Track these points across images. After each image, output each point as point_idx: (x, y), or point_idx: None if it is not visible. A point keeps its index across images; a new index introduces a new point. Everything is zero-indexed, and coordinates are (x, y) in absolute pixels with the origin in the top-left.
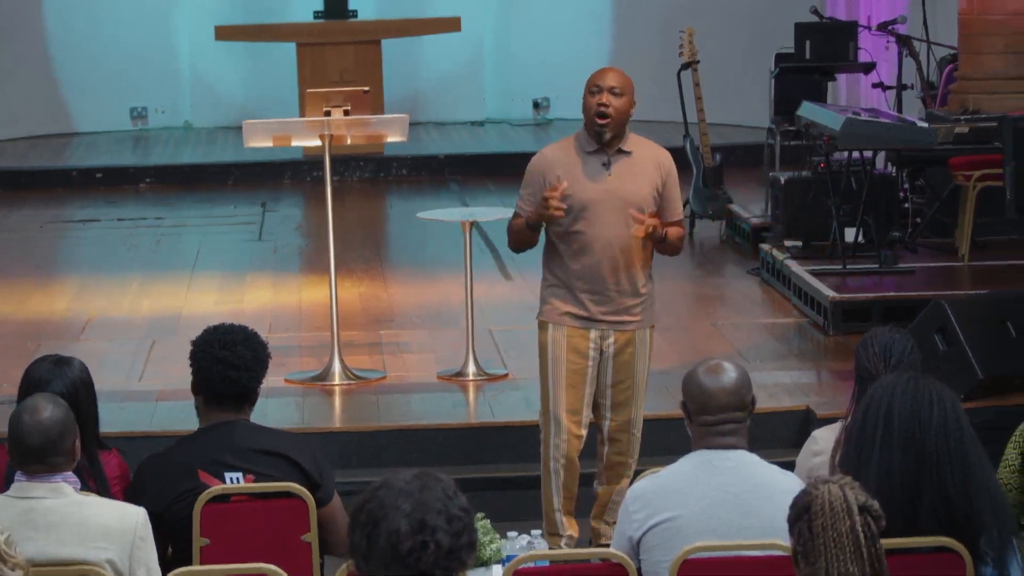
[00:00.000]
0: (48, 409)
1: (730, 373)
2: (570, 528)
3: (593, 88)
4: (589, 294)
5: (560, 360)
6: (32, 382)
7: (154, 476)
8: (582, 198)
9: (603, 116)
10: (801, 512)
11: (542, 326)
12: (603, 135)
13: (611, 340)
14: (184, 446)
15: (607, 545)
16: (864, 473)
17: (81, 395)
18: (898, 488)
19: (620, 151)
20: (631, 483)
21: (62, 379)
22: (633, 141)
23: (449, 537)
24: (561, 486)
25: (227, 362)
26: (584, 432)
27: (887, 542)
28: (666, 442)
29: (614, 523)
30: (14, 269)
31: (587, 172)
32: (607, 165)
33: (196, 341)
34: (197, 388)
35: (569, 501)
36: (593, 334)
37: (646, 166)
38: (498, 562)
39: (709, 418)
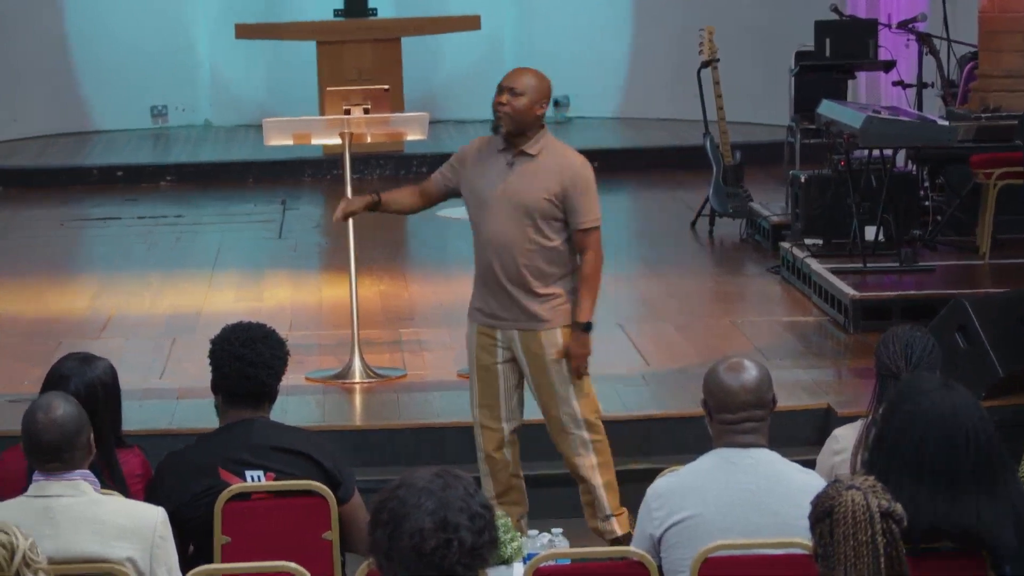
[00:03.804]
0: (61, 406)
1: (751, 371)
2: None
3: (498, 87)
4: (490, 293)
5: (472, 355)
6: (53, 378)
7: (174, 474)
8: (481, 195)
9: (495, 115)
10: (823, 515)
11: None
12: (497, 131)
13: (516, 341)
14: (204, 444)
15: (617, 540)
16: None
17: (100, 394)
18: (923, 519)
19: (523, 153)
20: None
21: (81, 377)
22: (545, 146)
23: (472, 535)
24: (489, 476)
25: (246, 360)
26: (504, 426)
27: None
28: (685, 440)
29: (607, 518)
30: (34, 267)
31: (492, 169)
32: (511, 165)
33: (215, 340)
34: (216, 387)
35: (507, 493)
36: (499, 333)
37: (547, 172)
38: (519, 560)
39: (729, 416)
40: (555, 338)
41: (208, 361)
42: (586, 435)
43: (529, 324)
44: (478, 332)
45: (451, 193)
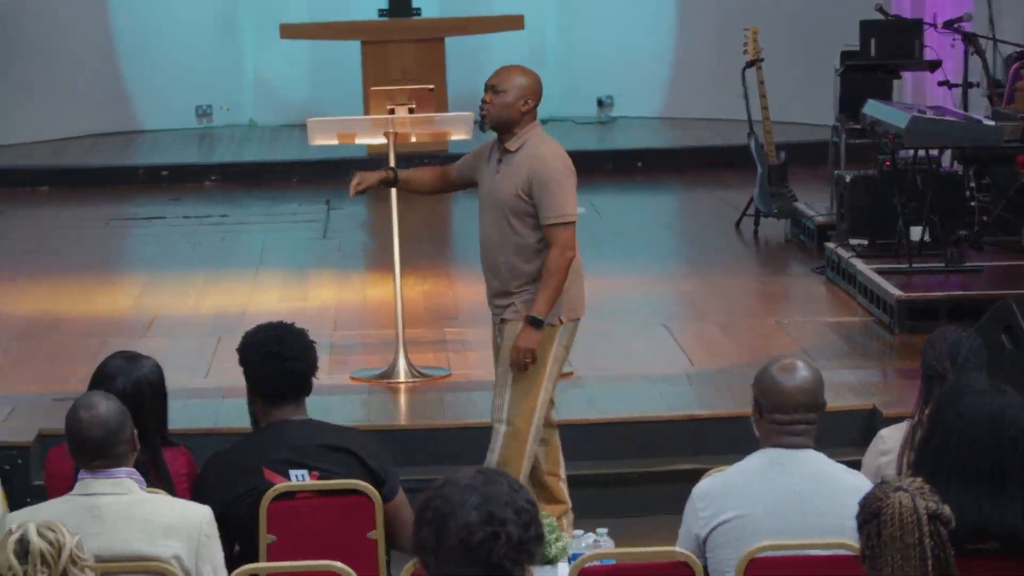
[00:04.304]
0: (103, 403)
1: (807, 373)
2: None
3: (484, 85)
4: (487, 287)
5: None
6: (100, 376)
7: (218, 475)
8: (479, 194)
9: (479, 113)
10: (870, 517)
11: None
12: (482, 128)
13: (500, 327)
14: (248, 444)
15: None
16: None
17: (147, 393)
18: (969, 520)
19: (506, 150)
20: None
21: (128, 376)
22: (526, 141)
23: (519, 528)
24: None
25: (282, 356)
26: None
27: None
28: (730, 440)
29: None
30: (80, 266)
31: (488, 168)
32: (499, 163)
33: (243, 347)
34: (255, 390)
35: (540, 492)
36: (494, 318)
37: (519, 168)
38: (564, 560)
39: (782, 416)
40: (515, 331)
41: (241, 368)
42: (502, 428)
43: (504, 315)
44: (493, 324)
45: (469, 183)
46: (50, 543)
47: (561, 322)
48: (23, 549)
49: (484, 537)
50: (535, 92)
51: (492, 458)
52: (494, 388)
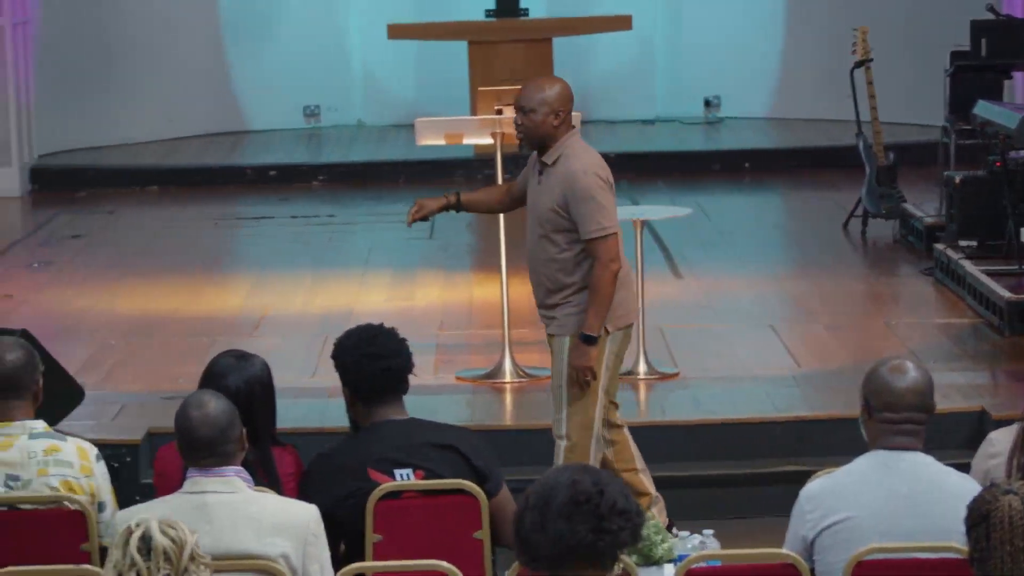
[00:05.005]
0: (212, 402)
1: (917, 374)
2: None
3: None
4: (533, 290)
5: None
6: (211, 375)
7: (323, 475)
8: (527, 203)
9: (516, 136)
10: (979, 520)
11: None
12: (521, 151)
13: (549, 340)
14: (352, 444)
15: None
16: None
17: (257, 392)
18: None
19: (544, 164)
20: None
21: (239, 374)
22: (562, 154)
23: (622, 498)
24: None
25: (378, 355)
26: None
27: None
28: (837, 442)
29: None
30: (189, 265)
31: (532, 179)
32: (539, 175)
33: (337, 353)
34: (357, 392)
35: None
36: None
37: (555, 182)
38: (670, 561)
39: (892, 416)
40: (562, 346)
41: (339, 374)
42: (562, 444)
43: (550, 330)
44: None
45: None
46: (172, 540)
47: (608, 332)
48: (146, 546)
49: (591, 492)
50: (564, 102)
51: None
52: (552, 402)
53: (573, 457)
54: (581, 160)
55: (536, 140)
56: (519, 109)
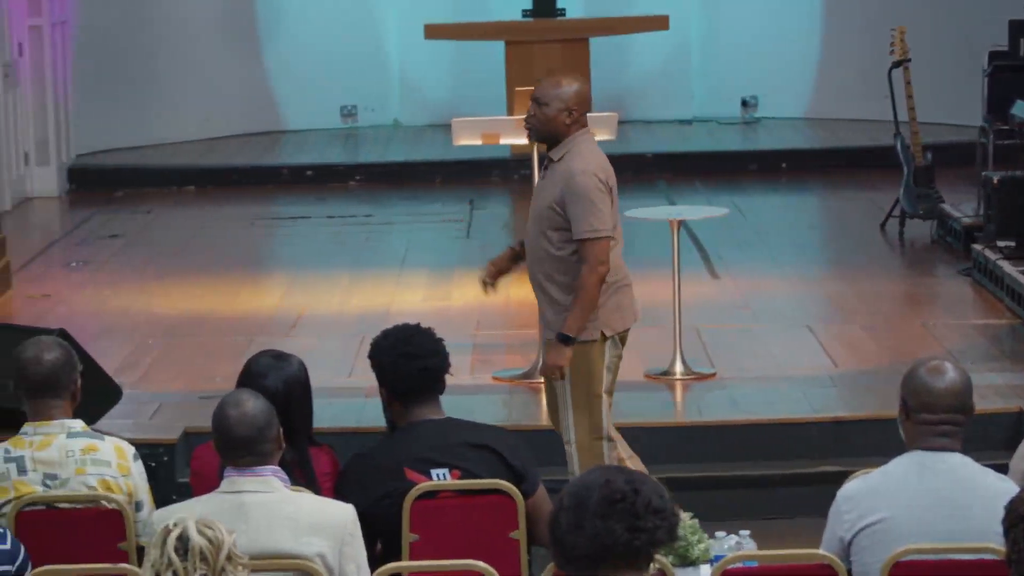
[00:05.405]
0: (250, 401)
1: (956, 374)
2: None
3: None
4: (536, 299)
5: None
6: (249, 374)
7: (359, 475)
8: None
9: (525, 126)
10: (1017, 521)
11: None
12: (529, 140)
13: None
14: (388, 444)
15: None
16: None
17: (295, 392)
18: None
19: (551, 160)
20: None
21: (278, 374)
22: (568, 151)
23: (657, 497)
24: None
25: (415, 355)
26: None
27: None
28: (874, 443)
29: None
30: (226, 265)
31: (540, 174)
32: (546, 170)
33: (375, 353)
34: (395, 392)
35: None
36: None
37: (556, 180)
38: (706, 562)
39: (931, 417)
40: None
41: (376, 374)
42: (572, 449)
43: (547, 332)
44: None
45: None
46: (209, 540)
47: (605, 336)
48: (183, 546)
49: (626, 491)
50: (579, 102)
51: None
52: (558, 408)
53: (587, 458)
54: (584, 160)
55: (544, 134)
56: (534, 100)
